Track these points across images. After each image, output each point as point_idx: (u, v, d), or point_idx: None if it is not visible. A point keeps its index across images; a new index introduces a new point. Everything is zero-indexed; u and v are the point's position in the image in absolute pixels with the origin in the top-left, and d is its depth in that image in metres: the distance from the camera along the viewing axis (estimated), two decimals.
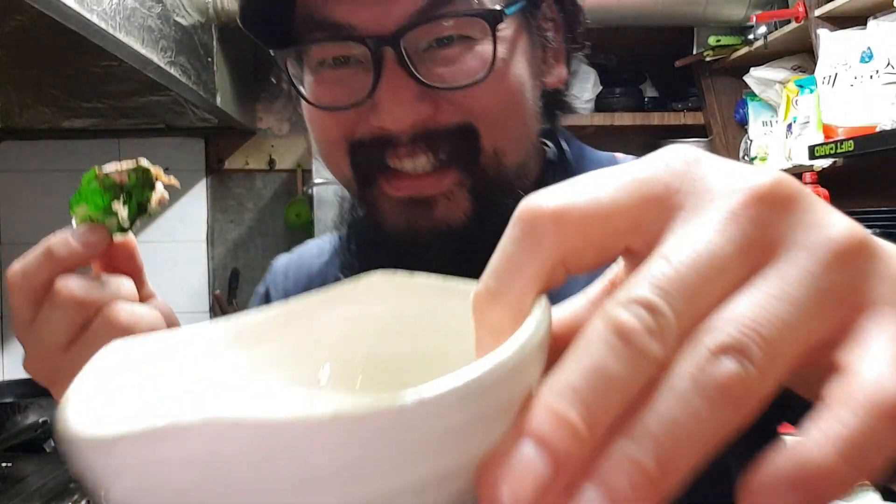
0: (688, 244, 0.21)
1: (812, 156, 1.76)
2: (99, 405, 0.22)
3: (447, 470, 0.19)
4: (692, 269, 0.21)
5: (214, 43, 2.11)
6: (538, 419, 0.19)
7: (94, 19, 1.28)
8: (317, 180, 2.20)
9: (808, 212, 0.22)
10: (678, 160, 0.23)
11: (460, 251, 0.56)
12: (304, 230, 2.69)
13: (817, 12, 1.81)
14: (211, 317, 2.75)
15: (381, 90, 0.56)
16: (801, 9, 1.86)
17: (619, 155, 0.73)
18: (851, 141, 1.64)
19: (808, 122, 1.91)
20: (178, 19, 1.79)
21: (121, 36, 1.40)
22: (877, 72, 1.69)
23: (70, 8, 1.19)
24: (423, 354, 0.24)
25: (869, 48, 1.71)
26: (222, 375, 0.28)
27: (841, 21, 1.79)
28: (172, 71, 1.72)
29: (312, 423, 0.18)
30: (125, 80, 2.00)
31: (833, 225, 0.22)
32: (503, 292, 0.23)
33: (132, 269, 0.52)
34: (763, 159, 2.14)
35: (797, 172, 1.92)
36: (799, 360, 0.20)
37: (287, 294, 0.76)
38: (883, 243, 0.23)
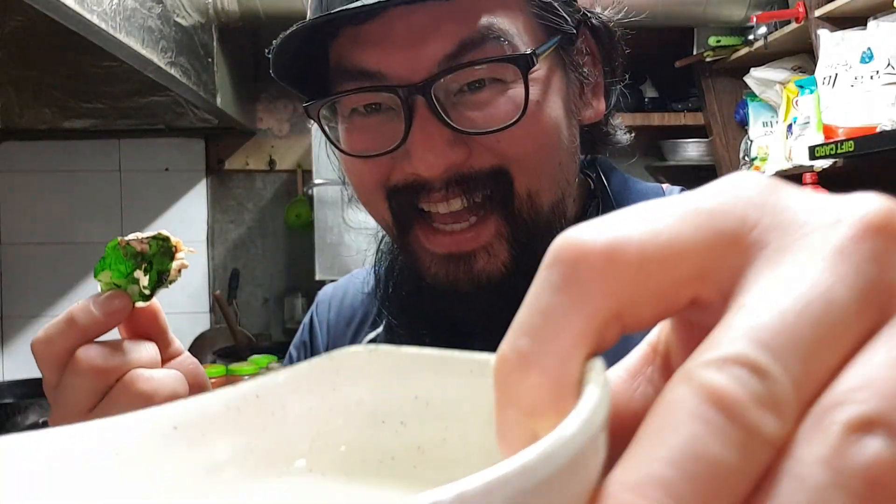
0: (789, 289, 0.16)
1: (812, 156, 1.76)
2: None
3: None
4: (803, 319, 0.16)
5: (214, 43, 2.11)
6: None
7: (94, 20, 1.27)
8: (317, 181, 2.20)
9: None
10: (752, 187, 0.18)
11: (501, 302, 0.56)
12: (305, 231, 2.69)
13: (817, 13, 1.81)
14: (211, 317, 2.75)
15: (414, 137, 0.56)
16: (801, 9, 1.86)
17: (667, 186, 0.72)
18: (852, 141, 1.64)
19: (808, 123, 1.91)
20: (179, 20, 1.79)
21: (121, 36, 1.40)
22: (877, 72, 1.68)
23: (70, 8, 1.18)
24: (417, 446, 0.20)
25: (869, 48, 1.70)
26: (158, 481, 0.22)
27: (841, 21, 1.79)
28: (172, 71, 1.72)
29: None
30: (125, 81, 2.00)
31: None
32: (539, 356, 0.17)
33: (156, 332, 0.52)
34: (763, 160, 2.14)
35: (797, 173, 1.92)
36: None
37: (328, 325, 0.77)
38: None
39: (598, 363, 0.17)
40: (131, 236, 0.48)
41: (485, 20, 0.56)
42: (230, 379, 2.42)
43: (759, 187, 0.18)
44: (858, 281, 0.16)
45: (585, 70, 0.64)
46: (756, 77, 2.14)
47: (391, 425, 0.23)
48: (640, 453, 0.15)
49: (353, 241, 2.17)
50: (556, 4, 0.60)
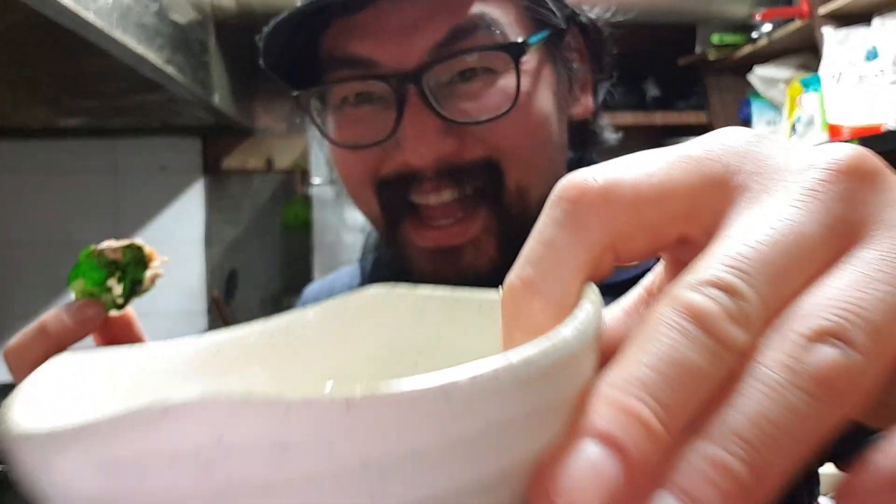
0: (764, 222, 0.19)
1: None
2: (44, 410, 0.20)
3: (494, 472, 0.16)
4: (773, 248, 0.18)
5: (211, 41, 2.09)
6: (603, 415, 0.16)
7: (90, 17, 1.26)
8: (315, 180, 2.18)
9: (894, 189, 0.20)
10: (736, 138, 0.21)
11: None
12: (303, 231, 2.67)
13: (822, 10, 1.80)
14: (208, 318, 2.73)
15: (404, 127, 0.56)
16: (805, 7, 1.84)
17: None
18: (856, 140, 1.63)
19: (812, 122, 1.89)
20: (175, 17, 1.77)
21: (116, 34, 1.38)
22: (882, 70, 1.67)
23: (65, 6, 1.17)
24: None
25: (874, 46, 1.69)
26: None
27: (846, 19, 1.78)
28: (169, 69, 1.70)
29: (338, 404, 0.14)
30: (121, 79, 1.98)
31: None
32: (543, 282, 0.20)
33: (131, 341, 0.51)
34: None
35: None
36: None
37: None
38: None
39: (593, 287, 0.20)
40: (104, 244, 0.47)
41: (476, 9, 0.56)
42: None
43: (743, 139, 0.21)
44: (826, 217, 0.19)
45: (574, 66, 0.64)
46: (760, 75, 2.12)
47: (409, 357, 0.26)
48: (627, 359, 0.17)
49: (350, 242, 2.15)
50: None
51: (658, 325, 0.17)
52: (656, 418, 0.16)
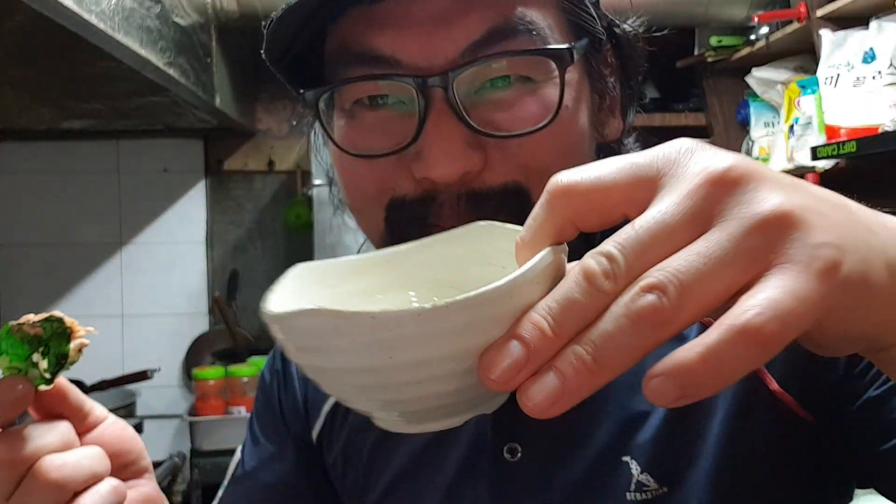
0: (650, 215, 0.29)
1: (814, 157, 1.76)
2: (290, 299, 0.36)
3: (465, 350, 0.30)
4: (646, 233, 0.28)
5: (213, 43, 2.10)
6: (523, 326, 0.29)
7: (93, 20, 1.27)
8: (316, 181, 2.19)
9: (749, 191, 0.28)
10: (674, 150, 0.30)
11: None
12: (304, 231, 2.68)
13: (819, 13, 1.80)
14: (210, 319, 2.74)
15: (428, 135, 0.49)
16: (802, 9, 1.85)
17: None
18: (854, 142, 1.63)
19: (810, 123, 1.90)
20: (177, 20, 1.79)
21: (119, 36, 1.39)
22: (879, 72, 1.68)
23: (68, 8, 1.18)
24: (485, 281, 0.30)
25: (871, 48, 1.70)
26: (364, 291, 0.41)
27: (843, 21, 1.78)
28: (171, 72, 1.72)
29: (409, 314, 0.29)
30: (124, 81, 1.99)
31: (765, 200, 0.28)
32: (528, 241, 0.31)
33: (68, 411, 0.49)
34: (765, 160, 2.13)
35: (800, 174, 1.91)
36: (713, 301, 0.27)
37: None
38: (815, 209, 0.28)
39: (558, 246, 0.31)
40: (23, 319, 0.46)
41: (519, 11, 0.50)
42: (229, 381, 2.41)
43: (678, 149, 0.30)
44: (690, 212, 0.28)
45: (610, 82, 0.58)
46: (758, 77, 2.13)
47: (476, 268, 0.39)
48: (550, 295, 0.29)
49: (352, 242, 2.16)
50: (587, 2, 0.55)
51: (569, 277, 0.29)
52: (551, 330, 0.28)
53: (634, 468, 0.55)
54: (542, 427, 0.56)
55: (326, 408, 0.68)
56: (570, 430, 0.56)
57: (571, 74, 0.52)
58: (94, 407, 0.51)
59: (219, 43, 2.14)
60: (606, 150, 0.60)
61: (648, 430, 0.55)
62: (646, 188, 0.30)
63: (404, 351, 0.29)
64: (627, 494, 0.54)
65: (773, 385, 0.54)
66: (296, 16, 0.50)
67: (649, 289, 0.27)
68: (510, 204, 0.51)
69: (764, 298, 0.26)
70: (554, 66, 0.51)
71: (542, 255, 0.30)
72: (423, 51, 0.50)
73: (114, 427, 0.51)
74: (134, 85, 2.03)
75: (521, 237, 0.32)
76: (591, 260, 0.28)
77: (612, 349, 0.27)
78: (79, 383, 2.42)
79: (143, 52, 1.53)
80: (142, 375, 2.45)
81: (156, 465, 2.21)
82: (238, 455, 0.74)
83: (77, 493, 0.46)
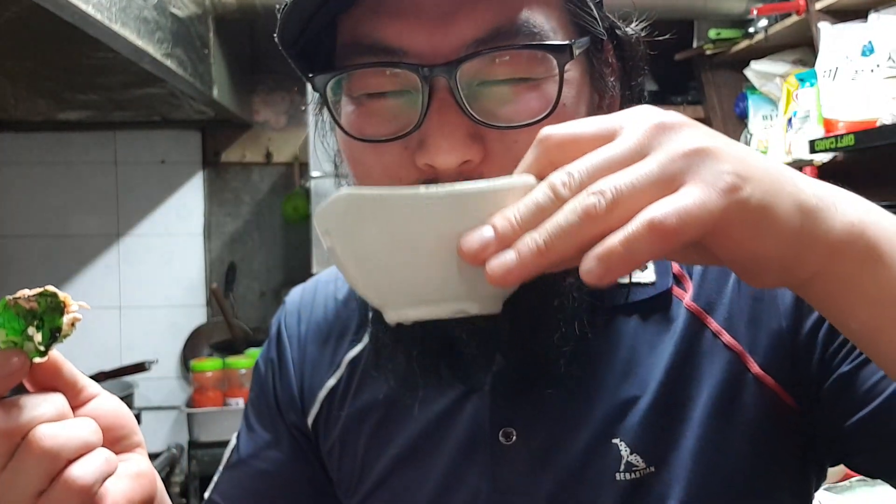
0: (605, 148, 0.38)
1: (812, 150, 1.76)
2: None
3: (453, 230, 0.39)
4: (599, 159, 0.37)
5: (211, 35, 2.10)
6: (496, 218, 0.38)
7: (90, 10, 1.27)
8: (314, 173, 2.19)
9: (681, 133, 0.38)
10: (635, 111, 0.39)
11: (504, 322, 0.54)
12: (302, 223, 2.68)
13: (818, 5, 1.80)
14: (207, 311, 2.75)
15: (430, 123, 0.52)
16: (801, 2, 1.85)
17: None
18: (852, 135, 1.64)
19: (808, 116, 1.90)
20: (175, 10, 1.78)
21: (116, 27, 1.39)
22: (878, 65, 1.68)
23: None
24: None
25: (870, 42, 1.70)
26: None
27: (842, 14, 1.78)
28: (168, 63, 1.71)
29: (419, 194, 0.39)
30: (121, 72, 1.99)
31: (691, 138, 0.37)
32: (518, 172, 0.41)
33: (62, 384, 0.50)
34: (763, 153, 2.14)
35: (798, 166, 1.91)
36: (639, 208, 0.35)
37: (298, 340, 0.73)
38: (728, 149, 0.37)
39: (527, 176, 0.41)
40: (19, 294, 0.47)
41: (524, 14, 0.52)
42: (227, 372, 2.42)
43: (638, 111, 0.39)
44: (633, 148, 0.37)
45: (610, 81, 0.60)
46: (756, 70, 2.13)
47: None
48: (522, 200, 0.38)
49: None
50: (590, 3, 0.56)
51: (538, 188, 0.38)
52: (516, 222, 0.38)
53: (624, 449, 0.58)
54: (536, 411, 0.59)
55: (322, 394, 0.69)
56: (563, 415, 0.59)
57: (571, 72, 0.54)
58: (88, 382, 0.51)
59: (216, 34, 2.14)
60: None
61: (637, 413, 0.58)
62: (608, 137, 0.39)
63: (412, 224, 0.39)
64: (617, 475, 0.57)
65: (755, 368, 0.58)
66: (309, 3, 0.53)
67: (593, 193, 0.36)
68: None
69: (671, 202, 0.35)
70: (554, 63, 0.53)
71: (524, 176, 0.41)
72: (429, 42, 0.52)
73: (106, 402, 0.52)
74: (131, 76, 2.03)
75: (514, 172, 0.41)
76: (555, 175, 0.38)
77: (558, 235, 0.36)
78: None
79: (140, 43, 1.52)
80: (139, 367, 2.45)
81: (154, 456, 2.22)
82: (233, 441, 0.75)
83: (70, 462, 0.46)
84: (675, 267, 0.62)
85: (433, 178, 0.52)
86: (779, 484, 0.58)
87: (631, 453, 0.57)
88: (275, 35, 0.56)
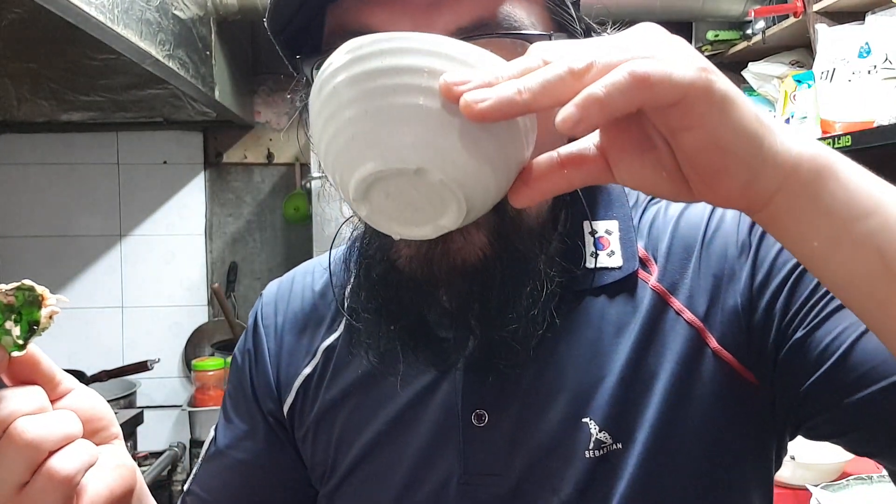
0: (590, 44, 0.40)
1: None
2: None
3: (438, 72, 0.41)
4: (585, 45, 0.40)
5: (213, 36, 2.11)
6: (481, 69, 0.41)
7: (92, 12, 1.27)
8: (315, 174, 2.20)
9: (658, 29, 0.42)
10: (631, 32, 0.41)
11: (473, 288, 0.56)
12: (303, 224, 2.69)
13: (815, 7, 1.81)
14: (209, 310, 2.76)
15: None
16: (799, 4, 1.86)
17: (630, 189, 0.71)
18: (849, 136, 1.64)
19: (805, 118, 1.91)
20: (177, 12, 1.79)
21: (119, 29, 1.40)
22: (874, 67, 1.68)
23: (68, 0, 1.18)
24: None
25: (867, 43, 1.70)
26: None
27: (839, 16, 1.79)
28: (171, 64, 1.72)
29: (426, 36, 0.42)
30: (123, 74, 2.00)
31: (668, 34, 0.41)
32: None
33: (41, 378, 0.50)
34: None
35: None
36: (609, 70, 0.38)
37: (275, 330, 0.73)
38: (701, 59, 0.39)
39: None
40: None
41: (506, 7, 0.55)
42: (228, 372, 2.42)
43: (633, 31, 0.41)
44: (621, 40, 0.40)
45: None
46: (754, 71, 2.14)
47: None
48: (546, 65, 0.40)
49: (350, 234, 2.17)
50: (568, 2, 0.59)
51: (527, 52, 0.41)
52: (502, 75, 0.40)
53: (593, 428, 0.59)
54: (507, 393, 0.61)
55: (298, 382, 0.70)
56: (534, 396, 0.61)
57: None
58: (65, 376, 0.52)
59: (218, 36, 2.15)
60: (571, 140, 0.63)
61: (605, 392, 0.60)
62: (608, 50, 0.42)
63: (404, 56, 0.41)
64: (587, 453, 0.59)
65: (714, 344, 0.59)
66: None
67: (577, 59, 0.38)
68: None
69: (651, 62, 0.37)
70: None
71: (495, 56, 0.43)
72: (414, 29, 0.53)
73: (83, 395, 0.53)
74: (133, 77, 2.04)
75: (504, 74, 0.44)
76: (542, 46, 0.41)
77: (538, 84, 0.38)
78: (79, 374, 2.44)
79: (142, 44, 1.53)
80: (142, 366, 2.46)
81: (156, 454, 2.24)
82: (212, 434, 0.76)
83: (51, 454, 0.47)
84: (641, 251, 0.63)
85: None
86: (739, 456, 0.60)
87: (600, 431, 0.59)
88: (264, 19, 0.58)
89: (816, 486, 1.38)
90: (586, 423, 0.59)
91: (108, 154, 2.70)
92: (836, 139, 1.67)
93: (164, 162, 2.72)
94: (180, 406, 2.64)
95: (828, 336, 0.55)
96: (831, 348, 0.55)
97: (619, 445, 0.59)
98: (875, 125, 1.62)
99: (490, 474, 0.61)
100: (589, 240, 0.63)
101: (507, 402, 0.61)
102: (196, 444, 2.36)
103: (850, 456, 1.50)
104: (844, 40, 1.74)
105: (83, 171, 2.70)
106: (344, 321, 0.69)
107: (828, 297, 0.57)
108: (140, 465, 2.03)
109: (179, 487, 2.36)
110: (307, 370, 0.70)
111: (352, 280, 0.65)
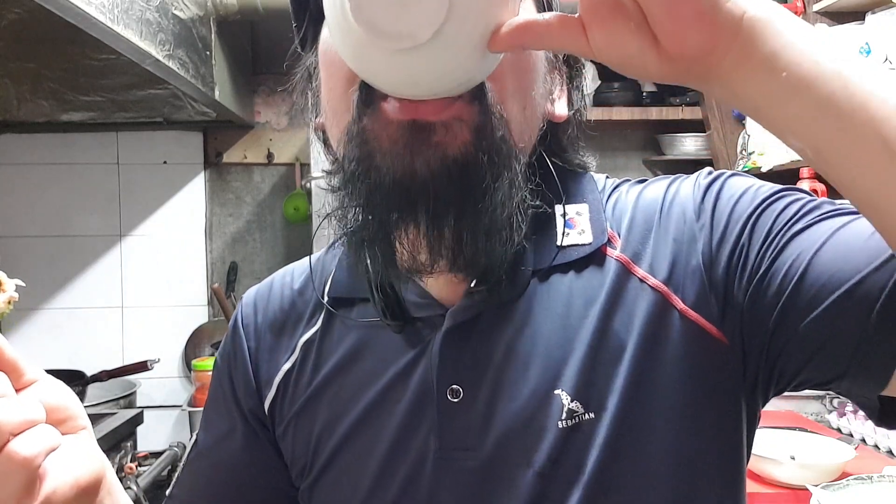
0: None
1: None
2: None
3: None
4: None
5: (213, 36, 2.11)
6: None
7: (92, 12, 1.27)
8: (315, 174, 2.20)
9: None
10: None
11: (455, 183, 0.56)
12: (303, 224, 2.69)
13: (815, 7, 1.81)
14: (209, 310, 2.76)
15: None
16: (799, 4, 1.86)
17: (599, 175, 0.72)
18: None
19: None
20: (177, 12, 1.79)
21: (119, 29, 1.40)
22: (875, 66, 1.69)
23: (68, 0, 1.18)
24: None
25: (867, 43, 1.71)
26: None
27: (839, 16, 1.80)
28: (171, 64, 1.72)
29: None
30: (123, 74, 2.00)
31: None
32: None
33: (3, 364, 0.51)
34: (761, 154, 2.14)
35: (795, 167, 1.92)
36: None
37: (255, 329, 0.74)
38: None
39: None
40: None
41: None
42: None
43: None
44: None
45: (557, 64, 0.67)
46: None
47: None
48: None
49: None
50: None
51: None
52: None
53: (565, 398, 0.61)
54: (481, 368, 0.63)
55: (278, 378, 0.71)
56: (507, 370, 0.62)
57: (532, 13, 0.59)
58: (31, 367, 0.52)
59: (218, 36, 2.15)
60: (554, 128, 0.67)
61: (574, 363, 0.61)
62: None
63: None
64: (560, 423, 0.60)
65: (681, 305, 0.60)
66: None
67: None
68: (472, 92, 0.56)
69: None
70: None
71: None
72: None
73: (50, 384, 0.53)
74: (133, 78, 2.04)
75: None
76: None
77: None
78: (79, 374, 2.44)
79: (142, 44, 1.53)
80: (142, 366, 2.46)
81: (156, 455, 2.23)
82: (193, 438, 0.78)
83: (13, 437, 0.47)
84: (609, 230, 0.65)
85: None
86: (711, 421, 0.61)
87: (571, 401, 0.60)
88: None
89: (816, 486, 1.38)
90: (558, 394, 0.61)
91: (108, 154, 2.70)
92: None
93: (164, 162, 2.72)
94: (180, 406, 2.64)
95: (784, 265, 0.56)
96: (788, 276, 0.56)
97: (592, 415, 0.60)
98: None
99: (465, 449, 0.62)
100: (560, 221, 0.65)
101: (481, 377, 0.63)
102: None
103: (851, 456, 1.50)
104: (844, 40, 1.74)
105: (83, 171, 2.70)
106: (323, 315, 0.71)
107: (783, 230, 0.58)
108: (140, 465, 2.03)
109: None
110: (286, 365, 0.71)
111: (340, 192, 0.63)
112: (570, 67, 0.69)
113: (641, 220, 0.65)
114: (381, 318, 0.66)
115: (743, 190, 0.62)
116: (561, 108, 0.68)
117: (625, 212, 0.66)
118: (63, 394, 0.53)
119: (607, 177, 0.72)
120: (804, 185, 1.86)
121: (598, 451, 0.59)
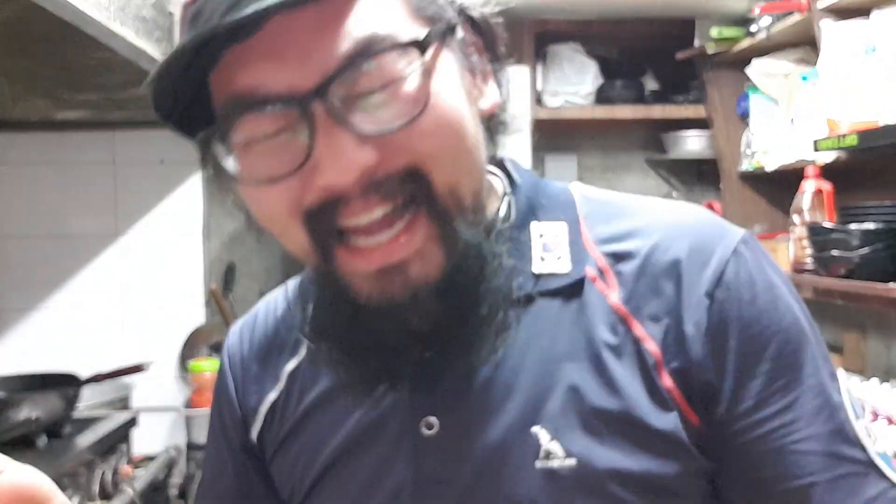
0: None
1: (815, 149, 1.75)
2: None
3: None
4: None
5: None
6: None
7: (88, 9, 1.26)
8: None
9: None
10: None
11: (439, 304, 0.57)
12: None
13: (820, 4, 1.80)
14: (206, 311, 2.74)
15: (319, 147, 0.54)
16: (804, 0, 1.84)
17: (575, 186, 0.71)
18: (855, 135, 1.63)
19: (811, 116, 1.89)
20: (173, 10, 1.77)
21: (115, 26, 1.39)
22: (880, 64, 1.67)
23: None
24: None
25: (873, 40, 1.69)
26: None
27: (844, 13, 1.78)
28: None
29: None
30: (119, 72, 1.98)
31: None
32: None
33: None
34: (765, 153, 2.13)
35: (800, 166, 1.91)
36: None
37: (247, 361, 0.74)
38: None
39: None
40: None
41: (366, 30, 0.55)
42: None
43: None
44: None
45: (473, 58, 0.63)
46: (758, 69, 2.12)
47: None
48: None
49: None
50: None
51: None
52: None
53: (543, 437, 0.59)
54: (457, 400, 0.61)
55: (264, 409, 0.72)
56: (484, 403, 0.61)
57: (432, 61, 0.57)
58: None
59: None
60: (491, 120, 0.65)
61: (555, 402, 0.59)
62: None
63: None
64: (537, 462, 0.59)
65: (668, 382, 0.60)
66: (172, 71, 0.57)
67: None
68: (413, 184, 0.56)
69: None
70: (416, 57, 0.56)
71: None
72: (293, 76, 0.54)
73: (16, 472, 0.47)
74: (130, 75, 2.01)
75: None
76: None
77: None
78: (73, 377, 2.42)
79: (138, 42, 1.52)
80: (137, 368, 2.44)
81: (151, 458, 2.21)
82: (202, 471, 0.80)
83: None
84: (601, 262, 0.63)
85: (338, 192, 0.55)
86: (685, 495, 0.61)
87: (551, 440, 0.59)
88: (153, 106, 0.59)
89: None
90: (535, 432, 0.59)
91: (104, 153, 2.68)
92: (842, 138, 1.66)
93: (161, 161, 2.70)
94: (176, 408, 2.62)
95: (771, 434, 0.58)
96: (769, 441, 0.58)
97: (574, 462, 0.58)
98: (881, 124, 1.60)
99: (440, 482, 0.61)
100: (537, 242, 0.64)
101: (457, 409, 0.61)
102: (192, 446, 2.34)
103: None
104: (850, 37, 1.72)
105: (79, 169, 2.67)
106: (306, 342, 0.70)
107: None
108: (135, 469, 2.01)
109: (175, 491, 2.34)
110: (272, 395, 0.71)
111: (311, 305, 0.65)
112: (484, 37, 0.65)
113: (652, 279, 0.61)
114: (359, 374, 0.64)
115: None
116: (491, 96, 0.65)
117: (632, 255, 0.63)
118: (32, 479, 0.48)
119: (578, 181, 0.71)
120: (809, 184, 1.84)
121: (581, 501, 0.58)
